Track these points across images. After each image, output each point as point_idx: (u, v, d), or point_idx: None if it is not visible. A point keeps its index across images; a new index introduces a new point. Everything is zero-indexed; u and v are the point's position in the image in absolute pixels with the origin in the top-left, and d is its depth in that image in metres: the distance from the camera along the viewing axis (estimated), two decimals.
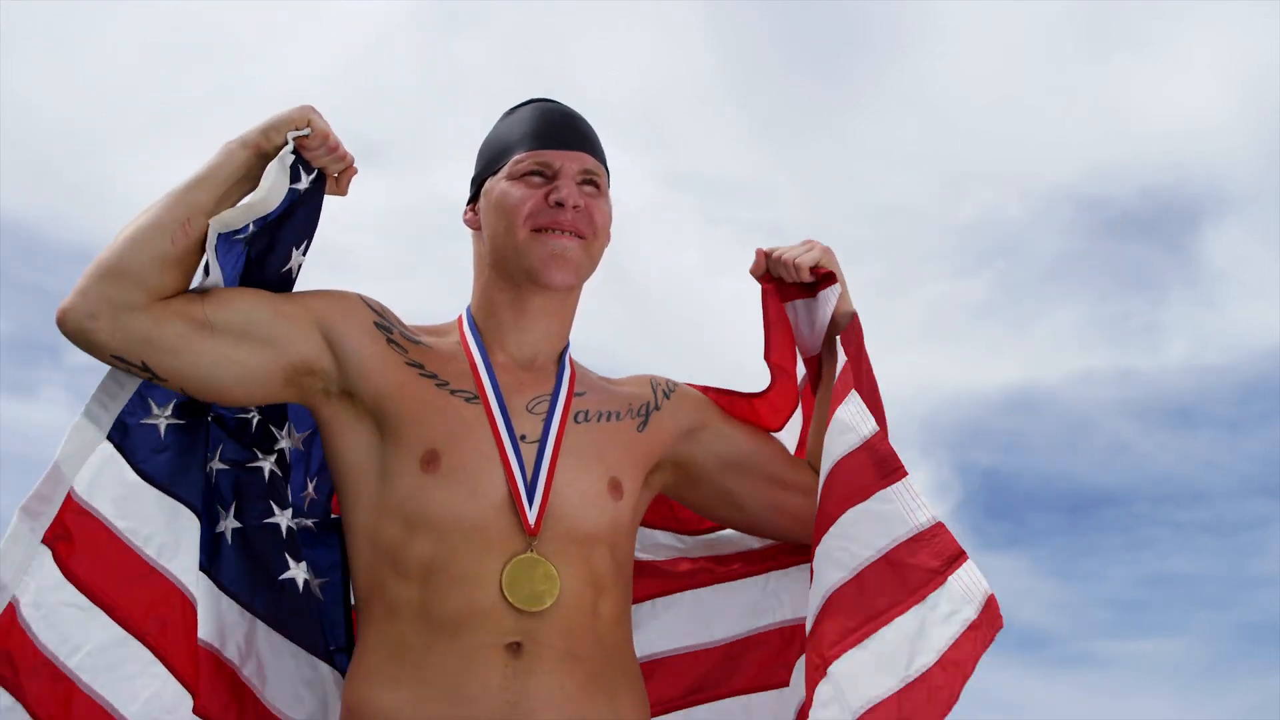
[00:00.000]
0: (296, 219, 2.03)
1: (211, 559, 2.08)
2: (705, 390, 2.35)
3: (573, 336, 2.23)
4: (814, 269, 2.22)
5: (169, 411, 2.06)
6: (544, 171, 2.10)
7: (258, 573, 2.10)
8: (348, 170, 2.09)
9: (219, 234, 1.94)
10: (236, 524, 2.10)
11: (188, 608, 2.03)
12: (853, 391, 2.11)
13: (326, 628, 2.18)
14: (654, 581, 2.40)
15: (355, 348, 2.05)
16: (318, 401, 2.07)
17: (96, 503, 1.99)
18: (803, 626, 2.13)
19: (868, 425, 2.07)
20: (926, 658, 1.92)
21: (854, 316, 2.23)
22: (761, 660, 2.39)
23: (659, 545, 2.43)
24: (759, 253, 2.28)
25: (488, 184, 2.15)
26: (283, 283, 2.08)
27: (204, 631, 2.04)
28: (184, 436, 2.07)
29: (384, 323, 2.10)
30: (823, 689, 1.94)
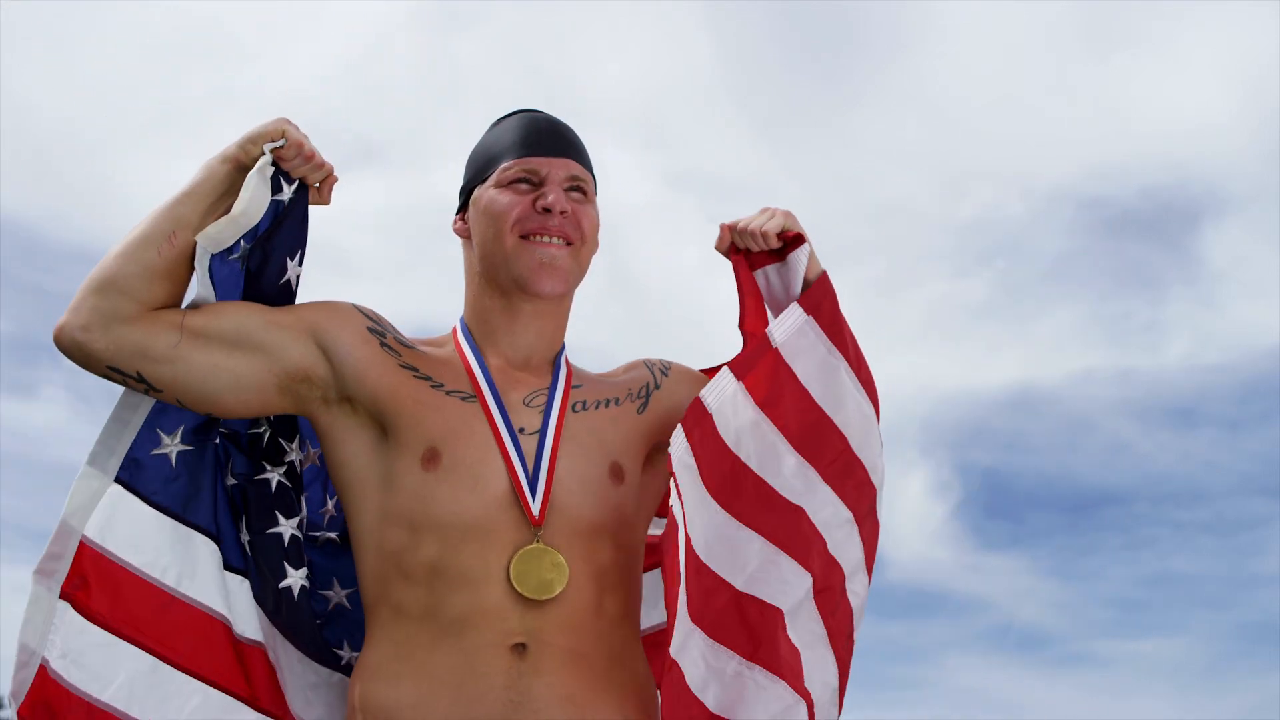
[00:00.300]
0: (284, 230, 2.08)
1: (248, 566, 2.15)
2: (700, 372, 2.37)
3: (572, 337, 2.24)
4: (780, 234, 2.25)
5: (178, 438, 2.11)
6: (531, 178, 2.12)
7: (265, 581, 2.14)
8: (328, 179, 2.13)
9: (211, 254, 1.99)
10: (247, 535, 2.15)
11: (214, 625, 2.09)
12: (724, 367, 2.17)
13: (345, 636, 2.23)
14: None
15: (349, 352, 2.07)
16: (316, 410, 2.09)
17: (110, 545, 2.04)
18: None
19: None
20: None
21: (823, 274, 2.27)
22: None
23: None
24: (723, 227, 2.31)
25: (476, 192, 2.18)
26: (283, 294, 2.12)
27: (251, 630, 2.12)
28: (195, 460, 2.12)
29: (377, 328, 2.12)
30: None
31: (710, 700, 2.02)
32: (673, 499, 1.99)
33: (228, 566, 2.12)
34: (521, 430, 2.07)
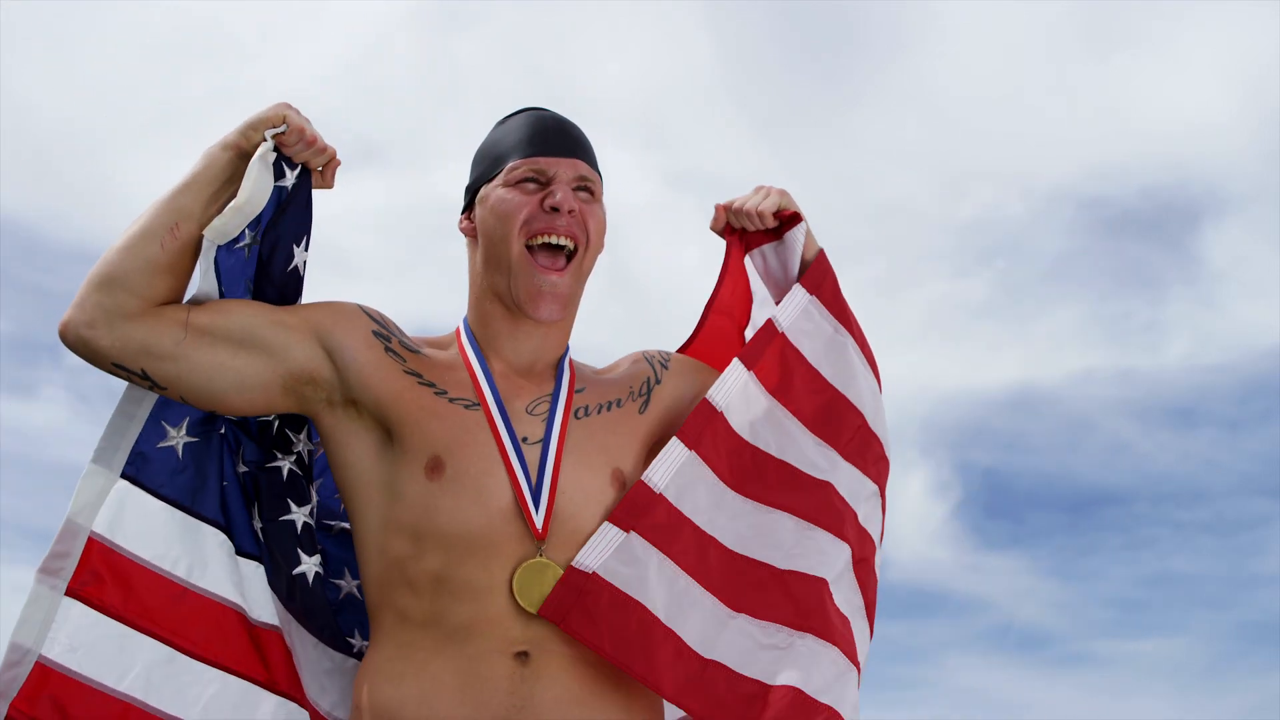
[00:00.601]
0: (290, 216, 2.06)
1: (261, 552, 2.15)
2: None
3: (572, 337, 2.24)
4: (777, 213, 2.24)
5: (184, 431, 2.11)
6: (539, 178, 2.11)
7: (279, 567, 2.15)
8: (331, 163, 2.11)
9: (218, 246, 1.98)
10: (259, 523, 2.15)
11: (228, 614, 2.10)
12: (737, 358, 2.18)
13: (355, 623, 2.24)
14: None
15: (354, 356, 2.06)
16: (320, 411, 2.08)
17: (119, 540, 2.05)
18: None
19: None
20: None
21: (821, 253, 2.26)
22: None
23: None
24: (718, 207, 2.32)
25: (483, 191, 2.16)
26: (291, 281, 2.10)
27: (267, 615, 2.12)
28: (201, 452, 2.13)
29: (382, 331, 2.11)
30: None
31: (757, 671, 2.04)
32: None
33: (241, 552, 2.13)
34: (525, 440, 2.05)
